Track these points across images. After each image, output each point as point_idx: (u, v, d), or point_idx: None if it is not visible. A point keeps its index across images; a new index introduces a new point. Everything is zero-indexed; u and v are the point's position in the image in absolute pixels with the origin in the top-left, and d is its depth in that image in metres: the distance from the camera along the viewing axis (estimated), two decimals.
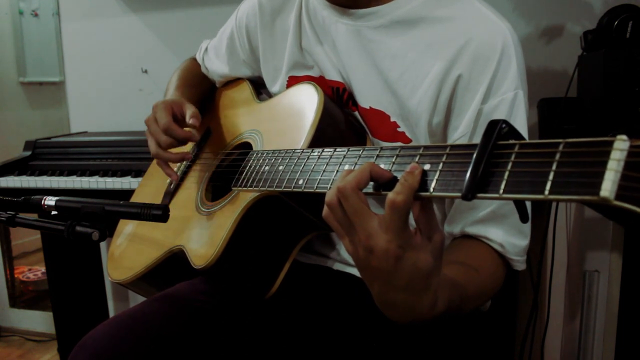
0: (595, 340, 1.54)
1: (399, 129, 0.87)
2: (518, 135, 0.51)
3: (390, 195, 0.54)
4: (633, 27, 1.23)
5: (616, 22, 1.24)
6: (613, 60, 1.22)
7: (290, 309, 0.95)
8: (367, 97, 0.89)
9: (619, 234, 1.43)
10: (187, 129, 0.97)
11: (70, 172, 1.65)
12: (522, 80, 0.82)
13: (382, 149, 0.62)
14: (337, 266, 0.97)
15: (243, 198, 0.85)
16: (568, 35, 1.56)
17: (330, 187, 0.62)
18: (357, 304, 0.93)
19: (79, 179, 1.61)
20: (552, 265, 1.48)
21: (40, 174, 1.66)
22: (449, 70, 0.81)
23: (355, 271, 0.95)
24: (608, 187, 0.41)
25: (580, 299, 1.56)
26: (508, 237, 0.81)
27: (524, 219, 0.54)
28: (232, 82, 1.18)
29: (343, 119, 0.90)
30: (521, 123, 0.81)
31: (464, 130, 0.81)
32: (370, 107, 0.89)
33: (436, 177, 0.54)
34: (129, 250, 1.10)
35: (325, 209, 0.59)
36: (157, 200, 1.09)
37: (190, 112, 0.97)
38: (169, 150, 0.98)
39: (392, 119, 0.87)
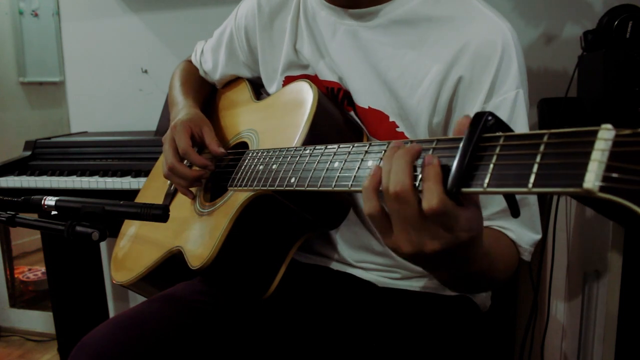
0: (595, 340, 1.54)
1: (397, 129, 0.87)
2: (505, 127, 0.50)
3: (424, 205, 0.51)
4: (633, 27, 1.23)
5: (616, 22, 1.24)
6: (613, 60, 1.22)
7: (290, 309, 0.95)
8: (366, 97, 0.89)
9: (619, 234, 1.43)
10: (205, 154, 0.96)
11: (70, 172, 1.65)
12: (523, 79, 0.82)
13: (370, 144, 0.62)
14: (337, 266, 0.97)
15: (238, 198, 0.85)
16: (568, 35, 1.56)
17: (320, 185, 0.61)
18: (357, 304, 0.93)
19: (79, 179, 1.61)
20: (552, 265, 1.48)
21: (40, 174, 1.66)
22: (449, 71, 0.81)
23: (355, 271, 0.95)
24: (591, 178, 0.40)
25: (580, 299, 1.55)
26: (521, 228, 0.82)
27: (514, 213, 0.53)
28: (231, 82, 1.18)
29: (338, 116, 0.90)
30: (522, 122, 0.81)
31: None
32: (369, 107, 0.89)
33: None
34: (130, 252, 1.10)
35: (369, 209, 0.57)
36: (159, 201, 1.09)
37: (215, 142, 0.95)
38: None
39: (390, 119, 0.87)
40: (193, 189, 1.03)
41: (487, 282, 0.76)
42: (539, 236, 0.84)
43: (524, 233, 0.82)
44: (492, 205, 0.81)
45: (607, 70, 1.23)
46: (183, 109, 1.05)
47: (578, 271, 1.55)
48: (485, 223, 0.82)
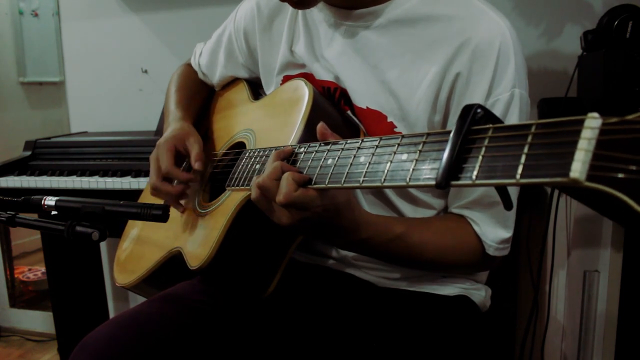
0: (595, 340, 1.54)
1: (396, 129, 0.87)
2: (495, 120, 0.50)
3: (276, 197, 0.67)
4: (633, 27, 1.23)
5: (616, 22, 1.24)
6: (613, 60, 1.22)
7: (289, 308, 0.95)
8: (364, 97, 0.89)
9: (619, 234, 1.43)
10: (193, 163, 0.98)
11: (70, 172, 1.65)
12: (521, 78, 0.82)
13: (363, 140, 0.63)
14: (337, 266, 0.97)
15: (236, 198, 0.85)
16: (568, 35, 1.56)
17: (314, 182, 0.67)
18: (356, 303, 0.93)
19: (79, 179, 1.61)
20: (552, 265, 1.48)
21: (40, 174, 1.66)
22: (448, 68, 0.81)
23: (355, 271, 0.95)
24: (578, 167, 0.39)
25: (580, 299, 1.55)
26: (489, 223, 0.85)
27: (507, 206, 0.53)
28: (229, 83, 1.18)
29: (334, 114, 0.90)
30: (515, 121, 0.81)
31: None
32: (367, 107, 0.89)
33: (412, 166, 0.54)
34: (132, 254, 1.10)
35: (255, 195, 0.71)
36: (161, 201, 1.09)
37: (195, 152, 0.97)
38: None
39: (389, 119, 0.87)
40: (193, 190, 1.03)
41: (413, 260, 0.85)
42: (508, 234, 0.86)
43: (490, 229, 0.85)
44: (466, 196, 0.85)
45: (607, 70, 1.23)
46: (171, 122, 1.06)
47: (578, 271, 1.55)
48: (459, 211, 0.87)
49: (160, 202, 1.09)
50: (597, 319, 1.52)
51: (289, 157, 0.72)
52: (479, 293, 0.97)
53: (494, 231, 0.85)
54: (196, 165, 0.96)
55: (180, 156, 0.99)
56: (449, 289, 0.94)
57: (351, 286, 0.94)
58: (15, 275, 2.59)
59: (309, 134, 0.81)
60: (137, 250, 1.09)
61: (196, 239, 0.92)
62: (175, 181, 0.98)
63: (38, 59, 3.18)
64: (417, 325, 0.89)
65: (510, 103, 0.81)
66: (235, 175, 0.86)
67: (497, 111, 0.80)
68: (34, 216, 0.84)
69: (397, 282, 0.94)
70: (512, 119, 0.81)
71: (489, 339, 1.20)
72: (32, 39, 3.15)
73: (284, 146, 0.77)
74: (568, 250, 1.51)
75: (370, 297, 0.93)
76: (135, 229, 1.14)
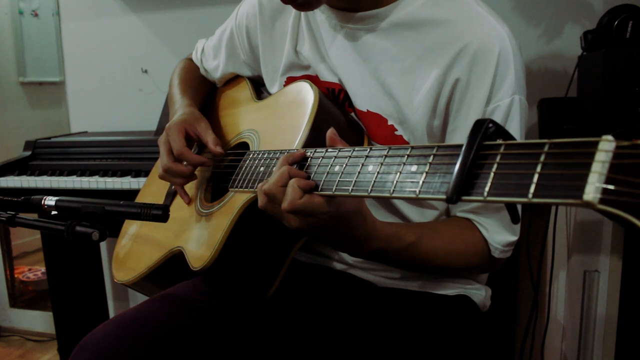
0: (595, 340, 1.54)
1: (396, 132, 0.87)
2: (506, 135, 0.50)
3: (282, 204, 0.67)
4: (633, 27, 1.23)
5: (616, 22, 1.24)
6: (613, 60, 1.22)
7: (291, 309, 0.95)
8: (364, 100, 0.89)
9: (619, 234, 1.43)
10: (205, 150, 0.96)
11: (70, 172, 1.65)
12: (520, 85, 0.82)
13: (371, 149, 0.62)
14: (338, 266, 0.97)
15: (239, 199, 0.85)
16: (568, 35, 1.56)
17: (321, 189, 0.66)
18: (357, 304, 0.93)
19: (79, 179, 1.61)
20: (552, 265, 1.48)
21: (40, 174, 1.66)
22: (447, 73, 0.81)
23: (356, 272, 0.95)
24: (591, 190, 0.39)
25: (580, 299, 1.56)
26: (496, 227, 0.85)
27: (515, 220, 0.53)
28: (232, 81, 1.18)
29: (339, 117, 0.89)
30: (515, 128, 0.81)
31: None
32: (367, 110, 0.89)
33: (422, 179, 0.54)
34: (132, 251, 1.10)
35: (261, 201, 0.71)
36: (160, 200, 1.09)
37: (212, 137, 0.96)
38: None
39: (389, 122, 0.87)
40: (194, 189, 1.03)
41: (423, 266, 0.87)
42: (514, 238, 0.87)
43: (498, 232, 0.86)
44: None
45: (607, 70, 1.23)
46: (179, 109, 1.05)
47: (578, 271, 1.55)
48: (465, 215, 0.87)
49: (163, 195, 1.09)
50: (597, 319, 1.53)
51: (298, 162, 0.71)
52: (479, 293, 0.97)
53: (501, 235, 0.86)
54: (217, 149, 0.95)
55: (189, 141, 0.98)
56: (449, 289, 0.94)
57: (351, 286, 0.94)
58: (15, 275, 2.59)
59: (314, 138, 0.81)
60: (136, 248, 1.09)
61: (198, 239, 0.92)
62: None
63: (38, 59, 3.18)
64: (417, 324, 0.89)
65: (511, 109, 0.81)
66: (239, 177, 0.86)
67: (498, 117, 0.80)
68: (34, 216, 0.84)
69: (397, 281, 0.94)
70: (513, 125, 0.81)
71: (489, 339, 1.20)
72: (32, 39, 3.16)
73: (289, 150, 0.77)
74: (568, 250, 1.51)
75: (371, 297, 0.93)
76: (134, 226, 1.14)
